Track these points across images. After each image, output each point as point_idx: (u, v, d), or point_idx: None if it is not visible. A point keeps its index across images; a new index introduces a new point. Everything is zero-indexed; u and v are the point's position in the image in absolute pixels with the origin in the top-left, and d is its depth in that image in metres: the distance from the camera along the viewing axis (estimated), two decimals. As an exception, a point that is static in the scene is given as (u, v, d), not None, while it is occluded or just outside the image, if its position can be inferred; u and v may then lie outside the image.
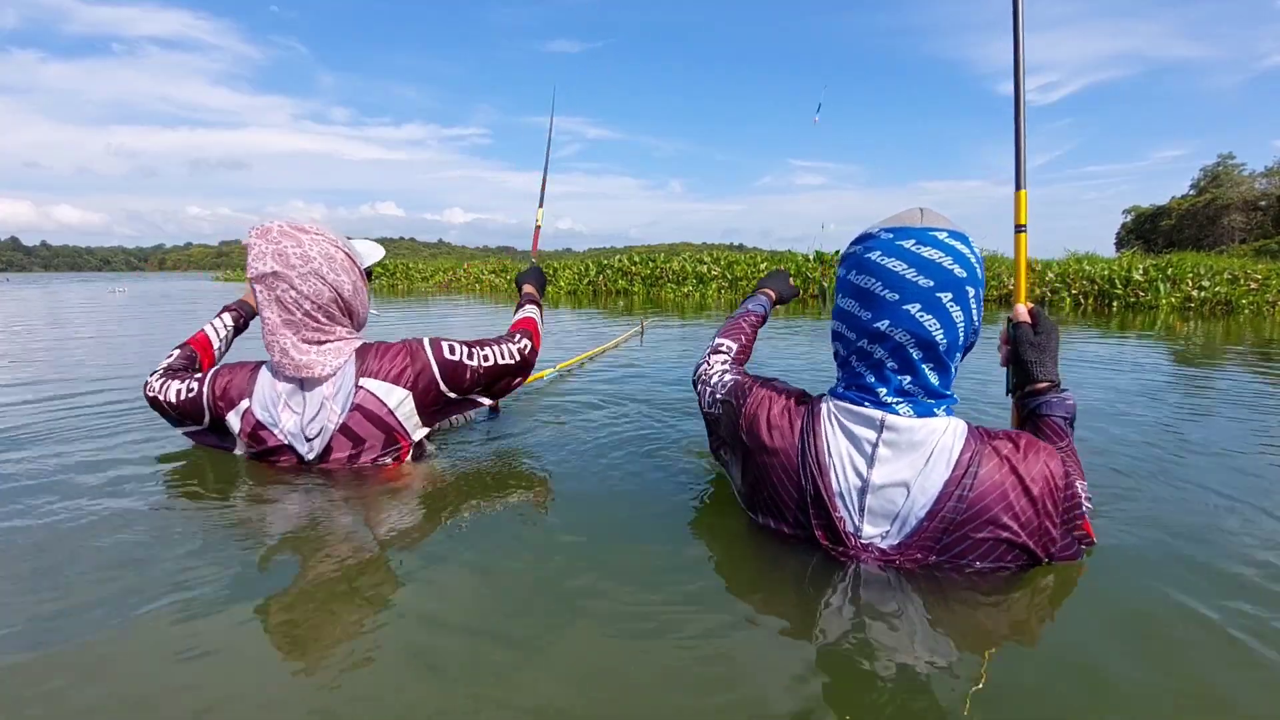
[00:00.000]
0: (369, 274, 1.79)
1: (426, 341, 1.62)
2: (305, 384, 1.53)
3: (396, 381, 1.55)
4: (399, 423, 1.56)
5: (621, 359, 3.57)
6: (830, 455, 1.04)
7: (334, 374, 1.52)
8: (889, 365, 1.01)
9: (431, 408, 1.63)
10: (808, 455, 1.06)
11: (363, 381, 1.52)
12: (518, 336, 1.77)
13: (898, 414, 1.00)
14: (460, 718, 0.77)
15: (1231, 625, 0.94)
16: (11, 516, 1.31)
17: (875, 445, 1.01)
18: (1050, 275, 8.99)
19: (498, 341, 1.72)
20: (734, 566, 1.14)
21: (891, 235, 1.00)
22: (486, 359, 1.66)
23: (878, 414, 1.01)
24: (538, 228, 2.47)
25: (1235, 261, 9.67)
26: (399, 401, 1.55)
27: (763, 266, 11.34)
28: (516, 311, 1.92)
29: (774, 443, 1.11)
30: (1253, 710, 0.78)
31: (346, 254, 1.52)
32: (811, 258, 11.01)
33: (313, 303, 1.45)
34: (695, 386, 1.43)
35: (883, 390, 1.01)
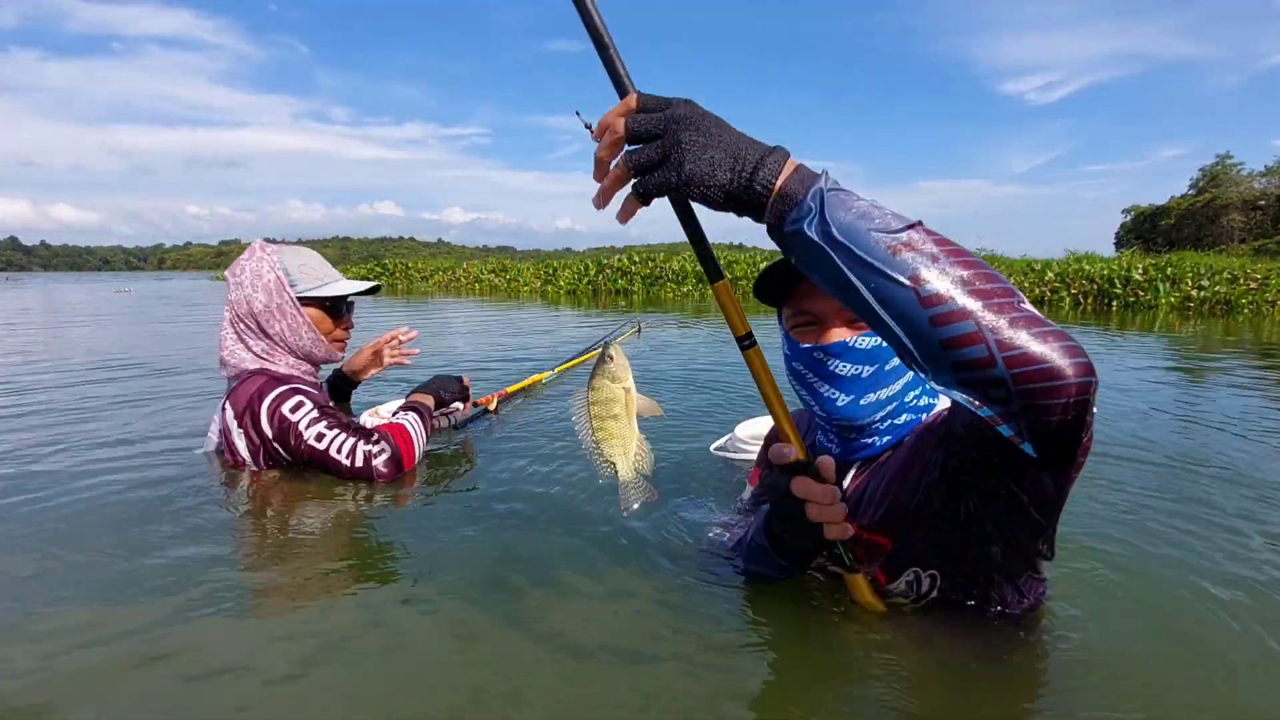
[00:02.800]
0: (340, 305, 1.72)
1: (279, 390, 1.57)
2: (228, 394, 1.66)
3: (238, 416, 1.59)
4: (243, 454, 1.59)
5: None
6: None
7: (231, 376, 1.64)
8: None
9: (266, 454, 1.58)
10: None
11: (226, 406, 1.62)
12: (376, 438, 1.60)
13: None
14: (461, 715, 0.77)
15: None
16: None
17: None
18: (1050, 275, 9.00)
19: (353, 432, 1.58)
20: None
21: None
22: (319, 439, 1.55)
23: None
24: None
25: (1235, 261, 9.68)
26: (237, 434, 1.59)
27: (762, 266, 11.29)
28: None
29: None
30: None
31: (278, 277, 1.63)
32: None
33: (234, 310, 1.64)
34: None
35: None
